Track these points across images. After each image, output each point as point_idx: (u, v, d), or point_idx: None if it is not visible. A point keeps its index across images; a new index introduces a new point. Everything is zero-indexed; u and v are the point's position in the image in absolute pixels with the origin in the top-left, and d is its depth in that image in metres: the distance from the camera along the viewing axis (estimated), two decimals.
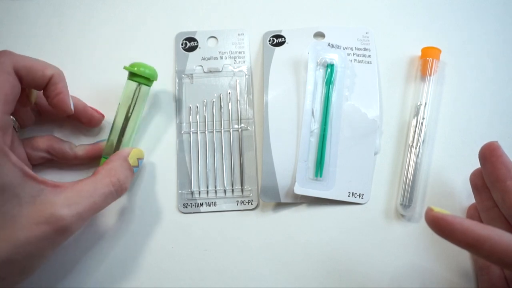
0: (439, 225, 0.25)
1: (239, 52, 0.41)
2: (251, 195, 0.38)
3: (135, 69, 0.36)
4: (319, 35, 0.42)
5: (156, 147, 0.39)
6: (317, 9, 0.43)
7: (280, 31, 0.42)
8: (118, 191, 0.32)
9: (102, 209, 0.31)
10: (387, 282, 0.35)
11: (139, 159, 0.35)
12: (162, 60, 0.41)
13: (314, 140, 0.38)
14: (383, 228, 0.37)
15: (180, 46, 0.42)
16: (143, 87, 0.37)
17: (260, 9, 0.43)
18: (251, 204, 0.37)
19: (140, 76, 0.36)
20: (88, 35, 0.43)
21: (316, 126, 0.38)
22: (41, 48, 0.42)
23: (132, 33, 0.43)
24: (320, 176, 0.37)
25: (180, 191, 0.38)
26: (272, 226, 0.37)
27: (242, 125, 0.39)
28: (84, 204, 0.29)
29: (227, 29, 0.42)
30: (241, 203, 0.37)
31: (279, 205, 0.37)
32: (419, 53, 0.41)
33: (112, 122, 0.37)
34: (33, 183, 0.28)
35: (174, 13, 0.43)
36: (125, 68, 0.36)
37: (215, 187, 0.38)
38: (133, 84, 0.36)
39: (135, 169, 0.35)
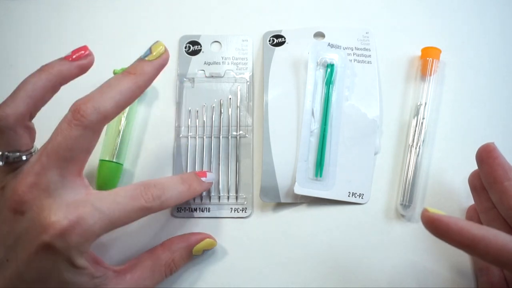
0: (435, 226, 0.25)
1: (242, 59, 0.41)
2: (245, 203, 0.37)
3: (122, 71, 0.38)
4: (319, 35, 0.42)
5: (154, 149, 0.39)
6: (317, 9, 0.43)
7: (280, 31, 0.42)
8: (168, 276, 0.33)
9: None
10: (387, 282, 0.35)
11: (206, 250, 0.35)
12: None
13: (314, 140, 0.38)
14: (383, 228, 0.37)
15: (184, 49, 0.42)
16: None
17: (260, 9, 0.43)
18: (245, 212, 0.37)
19: None
20: (90, 36, 0.43)
21: (316, 126, 0.38)
22: (41, 48, 0.42)
23: (135, 34, 0.43)
24: (320, 176, 0.37)
25: None
26: (272, 226, 0.37)
27: (241, 132, 0.39)
28: None
29: (231, 34, 0.42)
30: (235, 210, 0.37)
31: (279, 205, 0.37)
32: (419, 53, 0.41)
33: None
34: (99, 276, 0.29)
35: (178, 16, 0.43)
36: (114, 72, 0.38)
37: (210, 193, 0.37)
38: None
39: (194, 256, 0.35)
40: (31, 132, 0.29)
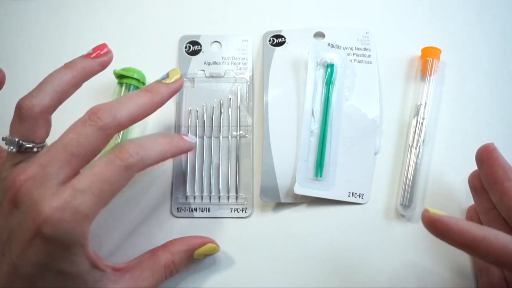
0: (436, 226, 0.25)
1: (242, 59, 0.41)
2: (245, 203, 0.37)
3: (122, 71, 0.38)
4: (319, 35, 0.42)
5: None
6: (317, 9, 0.43)
7: (280, 31, 0.42)
8: (168, 277, 0.33)
9: None
10: (387, 282, 0.35)
11: (208, 255, 0.35)
12: (164, 63, 0.41)
13: (314, 140, 0.38)
14: (383, 228, 0.37)
15: (184, 49, 0.42)
16: (132, 88, 0.39)
17: (260, 9, 0.43)
18: (245, 212, 0.37)
19: (127, 77, 0.38)
20: (90, 36, 0.43)
21: (316, 126, 0.38)
22: (41, 48, 0.42)
23: (135, 34, 0.43)
24: (320, 176, 0.37)
25: (175, 195, 0.38)
26: (272, 227, 0.37)
27: (241, 132, 0.39)
28: None
29: (231, 34, 0.42)
30: (235, 210, 0.37)
31: (279, 205, 0.37)
32: (419, 53, 0.41)
33: None
34: (98, 270, 0.29)
35: (178, 16, 0.43)
36: (114, 72, 0.38)
37: (210, 193, 0.38)
38: (122, 87, 0.38)
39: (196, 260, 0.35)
40: (48, 126, 0.29)
